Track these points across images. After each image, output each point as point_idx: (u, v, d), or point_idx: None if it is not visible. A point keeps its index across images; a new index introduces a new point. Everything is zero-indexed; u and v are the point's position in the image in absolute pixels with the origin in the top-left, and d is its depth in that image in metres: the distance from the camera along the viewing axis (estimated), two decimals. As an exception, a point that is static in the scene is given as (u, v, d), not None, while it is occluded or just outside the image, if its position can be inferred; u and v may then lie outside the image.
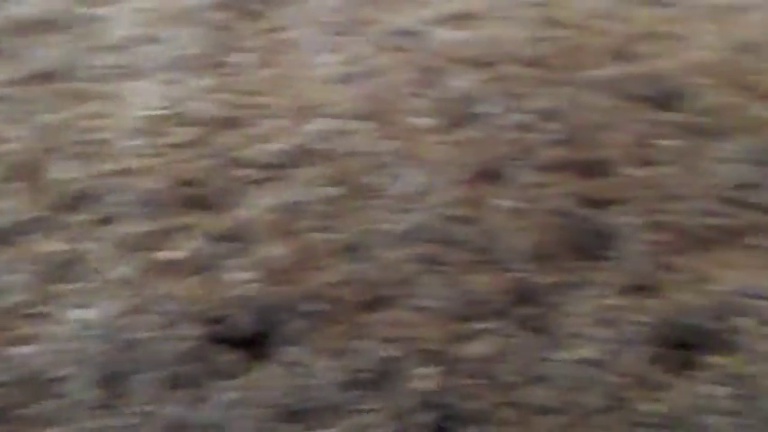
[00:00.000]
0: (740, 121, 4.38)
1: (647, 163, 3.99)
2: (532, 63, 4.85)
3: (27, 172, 3.88)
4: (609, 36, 5.19)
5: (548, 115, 4.30)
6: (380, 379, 2.77)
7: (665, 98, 4.53)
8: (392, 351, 2.88)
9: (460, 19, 5.42)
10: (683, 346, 2.97)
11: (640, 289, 3.23)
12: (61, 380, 2.77)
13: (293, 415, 2.66)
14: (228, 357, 2.88)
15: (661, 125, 4.30)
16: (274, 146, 4.06)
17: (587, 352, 2.91)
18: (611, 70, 4.80)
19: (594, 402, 2.72)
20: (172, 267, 3.32)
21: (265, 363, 2.85)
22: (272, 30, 5.28)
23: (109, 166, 3.92)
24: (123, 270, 3.28)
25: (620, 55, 4.98)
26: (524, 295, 3.17)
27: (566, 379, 2.80)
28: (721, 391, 2.77)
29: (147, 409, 2.67)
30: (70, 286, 3.21)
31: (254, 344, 2.93)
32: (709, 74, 4.81)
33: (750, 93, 4.68)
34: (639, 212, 3.63)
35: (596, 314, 3.09)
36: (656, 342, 2.97)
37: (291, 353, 2.87)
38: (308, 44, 5.07)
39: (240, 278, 3.25)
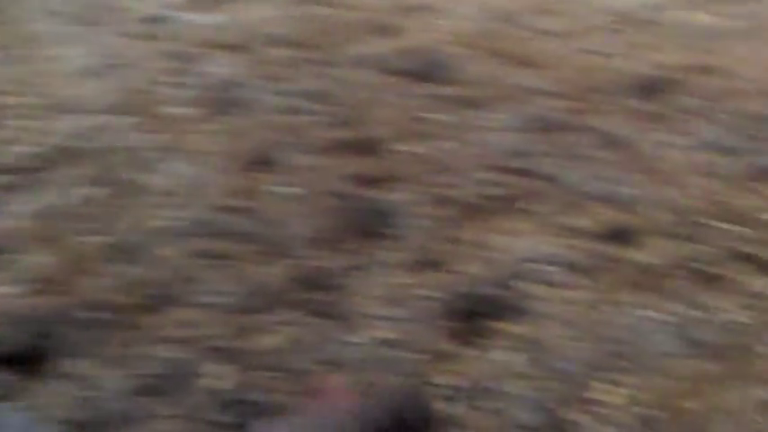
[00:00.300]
0: (504, 90, 4.58)
1: (419, 138, 4.12)
2: (292, 44, 4.90)
3: None
4: (367, 11, 5.31)
5: (314, 96, 4.36)
6: (173, 382, 2.75)
7: (429, 71, 4.68)
8: (182, 352, 2.86)
9: (211, 2, 5.41)
10: (476, 316, 3.10)
11: (427, 264, 3.34)
12: None
13: (82, 430, 2.60)
14: (2, 378, 2.78)
15: (428, 99, 4.45)
16: (26, 148, 3.94)
17: (381, 332, 2.99)
18: (373, 46, 4.92)
19: (392, 381, 2.80)
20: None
21: (45, 378, 2.77)
22: (11, 23, 5.10)
23: None
24: None
25: (380, 30, 5.11)
26: (312, 281, 3.22)
27: (362, 362, 2.87)
28: (516, 356, 2.91)
29: None
30: None
31: (30, 360, 2.83)
32: (469, 45, 5.02)
33: (510, 61, 4.91)
34: (417, 188, 3.75)
35: (387, 294, 3.18)
36: (448, 315, 3.08)
37: (73, 365, 2.81)
38: (52, 37, 4.93)
39: (4, 292, 3.14)
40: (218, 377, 2.78)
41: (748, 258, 3.49)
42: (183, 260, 3.28)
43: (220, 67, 4.64)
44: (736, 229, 3.65)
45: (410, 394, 2.42)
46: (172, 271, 3.23)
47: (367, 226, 3.53)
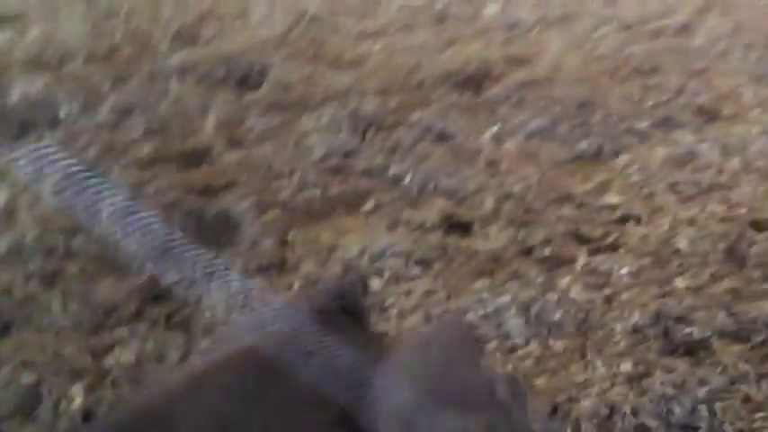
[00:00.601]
0: (326, 91, 4.72)
1: (246, 145, 4.21)
2: (99, 58, 4.89)
3: None
4: (175, 22, 5.34)
5: (131, 110, 4.39)
6: (27, 406, 2.76)
7: (247, 78, 4.78)
8: (33, 376, 2.87)
9: (15, 20, 5.35)
10: (328, 315, 3.19)
11: (271, 267, 3.44)
12: None
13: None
14: None
15: (250, 105, 4.54)
16: None
17: (236, 338, 3.07)
18: (183, 56, 4.96)
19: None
20: None
21: None
22: None
23: None
24: None
25: (192, 40, 5.16)
26: (156, 295, 3.28)
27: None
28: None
29: None
30: None
31: None
32: (285, 50, 5.14)
33: (328, 63, 5.06)
34: (251, 194, 3.84)
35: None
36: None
37: None
38: None
39: None
40: (74, 398, 2.80)
41: (581, 237, 3.73)
42: (20, 283, 3.28)
43: (27, 86, 4.60)
44: (567, 210, 3.89)
45: (350, 284, 2.54)
46: (9, 295, 3.22)
47: (204, 235, 3.60)
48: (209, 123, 4.31)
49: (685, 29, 5.89)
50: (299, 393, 1.60)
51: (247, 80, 4.76)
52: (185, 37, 5.16)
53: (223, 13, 5.54)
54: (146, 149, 4.08)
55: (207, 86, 4.65)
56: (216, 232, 3.63)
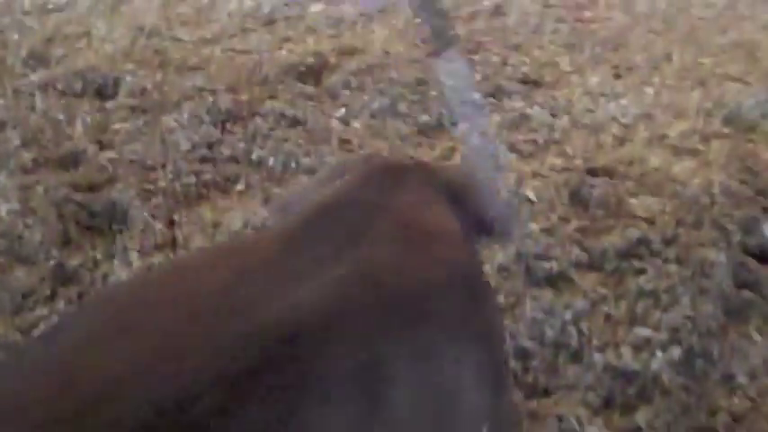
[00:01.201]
0: (179, 93, 5.02)
1: (116, 145, 4.50)
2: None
3: None
4: (22, 46, 5.47)
5: (1, 126, 4.58)
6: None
7: (102, 89, 5.01)
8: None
9: None
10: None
11: (165, 246, 3.72)
12: None
13: None
14: None
15: (111, 112, 4.78)
16: None
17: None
18: (40, 75, 5.13)
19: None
20: None
21: None
22: None
23: None
24: None
25: (41, 60, 5.31)
26: (64, 279, 3.54)
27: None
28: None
29: None
30: None
31: None
32: (132, 60, 5.38)
33: (176, 69, 5.35)
34: (133, 186, 4.14)
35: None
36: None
37: None
38: None
39: None
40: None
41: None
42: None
43: None
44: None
45: None
46: None
47: (97, 225, 3.88)
48: (78, 130, 4.56)
49: (498, 10, 6.35)
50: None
51: (104, 91, 5.00)
52: (38, 58, 5.33)
53: (67, 34, 5.69)
54: (26, 156, 4.31)
55: (69, 99, 4.84)
56: (108, 221, 3.88)
